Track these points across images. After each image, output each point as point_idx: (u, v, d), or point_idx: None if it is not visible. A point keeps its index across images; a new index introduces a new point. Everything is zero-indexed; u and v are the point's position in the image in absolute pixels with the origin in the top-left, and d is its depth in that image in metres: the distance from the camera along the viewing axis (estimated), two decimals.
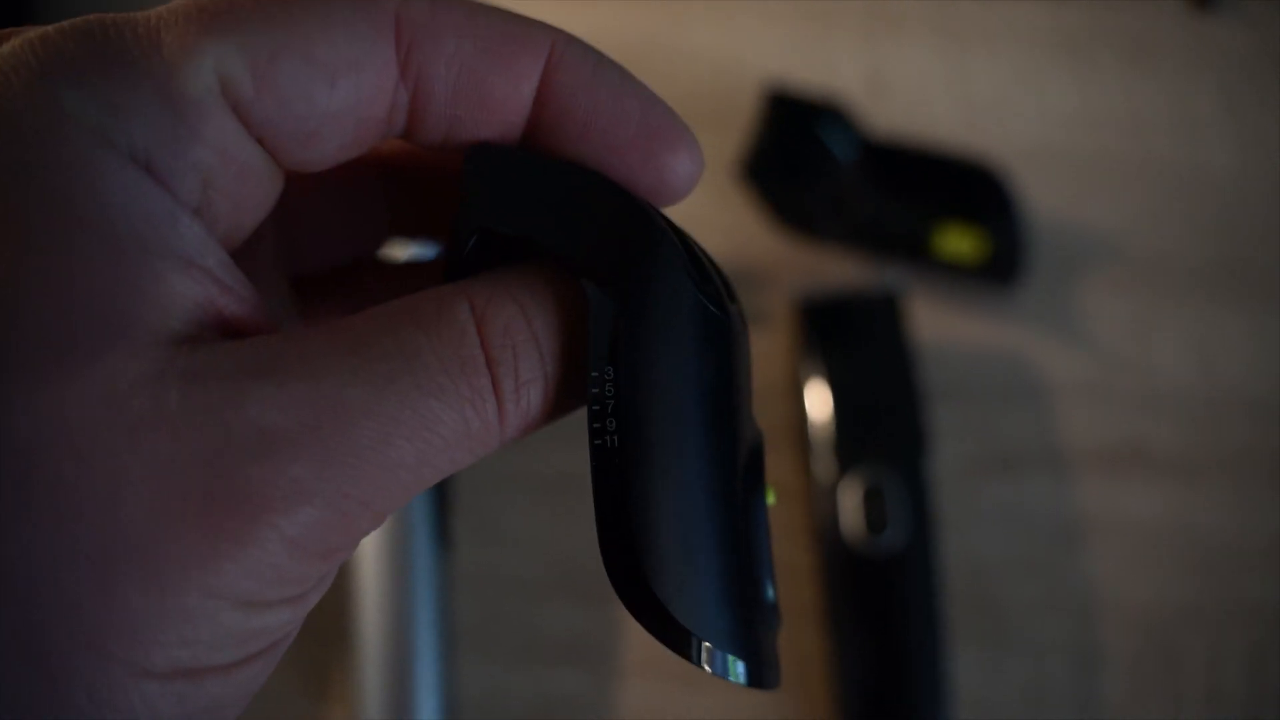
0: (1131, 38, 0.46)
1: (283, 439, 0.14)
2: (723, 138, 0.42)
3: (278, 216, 0.20)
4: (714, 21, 0.46)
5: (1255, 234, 0.43)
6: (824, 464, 0.39)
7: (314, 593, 0.16)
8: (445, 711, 0.36)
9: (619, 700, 0.38)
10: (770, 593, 0.18)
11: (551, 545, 0.39)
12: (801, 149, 0.40)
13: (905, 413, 0.39)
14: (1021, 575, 0.40)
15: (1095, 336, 0.42)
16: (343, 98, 0.16)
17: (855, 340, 0.40)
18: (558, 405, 0.17)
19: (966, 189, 0.41)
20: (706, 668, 0.17)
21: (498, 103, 0.17)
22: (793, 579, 0.39)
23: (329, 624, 0.37)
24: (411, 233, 0.23)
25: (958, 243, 0.41)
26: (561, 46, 0.17)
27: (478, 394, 0.16)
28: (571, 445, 0.38)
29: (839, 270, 0.43)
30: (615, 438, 0.17)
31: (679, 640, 0.17)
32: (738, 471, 0.18)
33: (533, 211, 0.17)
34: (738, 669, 0.17)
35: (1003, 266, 0.41)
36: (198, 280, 0.15)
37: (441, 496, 0.38)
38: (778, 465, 0.40)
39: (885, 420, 0.39)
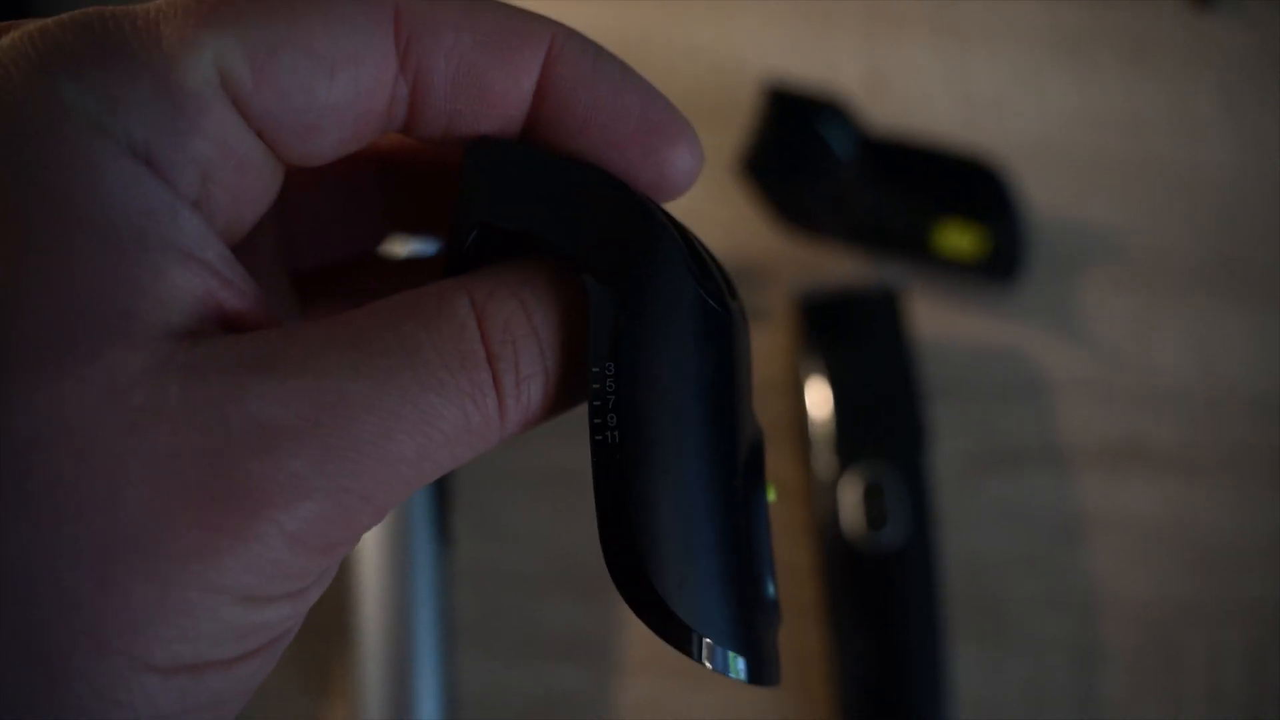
0: (1131, 37, 0.46)
1: (283, 434, 0.14)
2: (722, 134, 0.42)
3: (278, 212, 0.20)
4: (714, 18, 0.46)
5: (1255, 232, 0.43)
6: (824, 461, 0.39)
7: (315, 588, 0.16)
8: (445, 707, 0.36)
9: (619, 696, 0.38)
10: (771, 589, 0.18)
11: (552, 541, 0.39)
12: (801, 145, 0.40)
13: (905, 409, 0.39)
14: (1021, 572, 0.40)
15: (1095, 334, 0.42)
16: (342, 91, 0.16)
17: (855, 337, 0.40)
18: (558, 401, 0.17)
19: (967, 186, 0.41)
20: (707, 664, 0.17)
21: (497, 97, 0.17)
22: (792, 576, 0.39)
23: (329, 621, 0.37)
24: (411, 228, 0.23)
25: (958, 240, 0.41)
26: (561, 40, 0.17)
27: (478, 389, 0.16)
28: (572, 441, 0.38)
29: (839, 267, 0.43)
30: (616, 433, 0.17)
31: (679, 636, 0.17)
32: (739, 468, 0.18)
33: (533, 206, 0.17)
34: (738, 665, 0.17)
35: (1002, 264, 0.41)
36: (197, 273, 0.15)
37: (442, 492, 0.38)
38: (777, 462, 0.40)
39: (885, 417, 0.39)
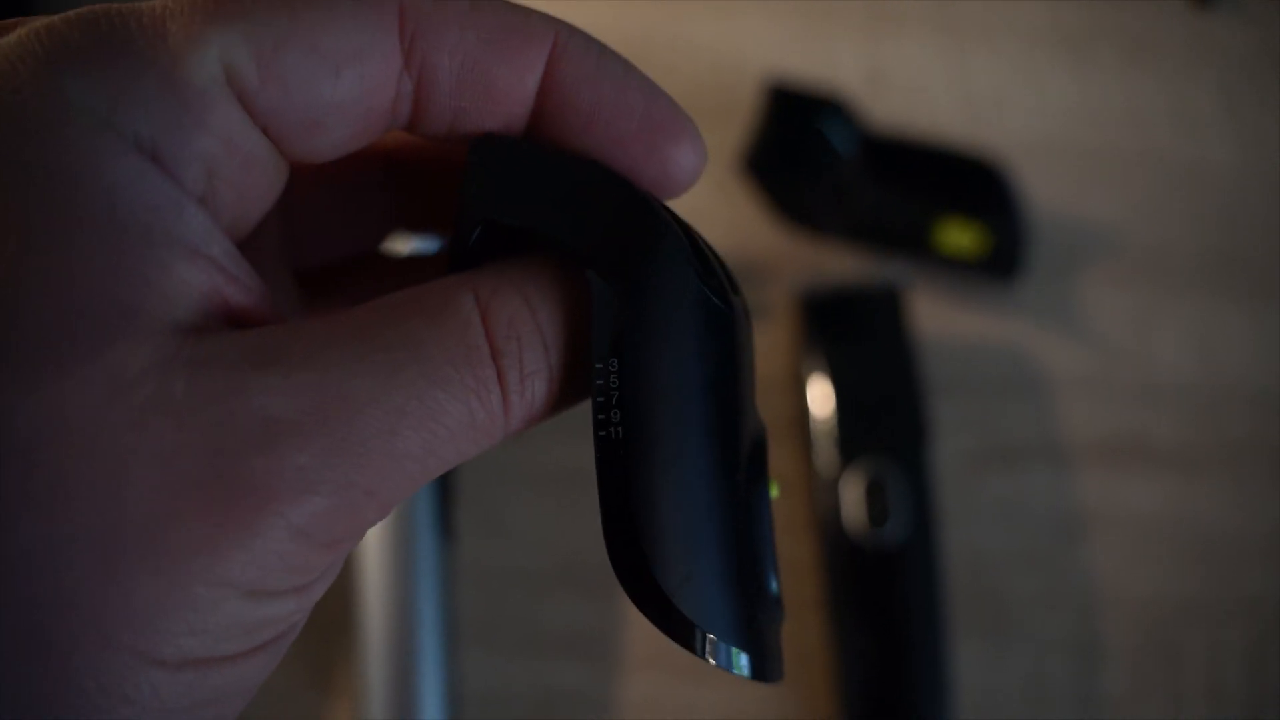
0: (1131, 35, 0.46)
1: (288, 428, 0.14)
2: (724, 132, 0.42)
3: (282, 209, 0.20)
4: (715, 17, 0.46)
5: (1255, 229, 0.43)
6: (825, 457, 0.39)
7: (320, 583, 0.16)
8: (448, 704, 0.36)
9: (622, 693, 0.38)
10: (773, 585, 0.18)
11: (555, 538, 0.39)
12: (802, 143, 0.40)
13: (906, 406, 0.39)
14: (1022, 569, 0.40)
15: (1096, 330, 0.42)
16: (347, 87, 0.16)
17: (856, 334, 0.40)
18: (562, 397, 0.17)
19: (967, 184, 0.41)
20: (710, 660, 0.17)
21: (501, 94, 0.17)
22: (794, 572, 0.39)
23: (333, 618, 0.38)
24: (415, 225, 0.23)
25: (958, 237, 0.41)
26: (565, 38, 0.17)
27: (483, 385, 0.16)
28: (575, 438, 0.38)
29: (840, 264, 0.43)
30: (619, 430, 0.17)
31: (683, 632, 0.17)
32: (741, 464, 0.18)
33: (537, 203, 0.17)
34: (741, 661, 0.17)
35: (1003, 261, 0.41)
36: (203, 269, 0.15)
37: (445, 489, 0.38)
38: (779, 459, 0.40)
39: (886, 414, 0.39)
